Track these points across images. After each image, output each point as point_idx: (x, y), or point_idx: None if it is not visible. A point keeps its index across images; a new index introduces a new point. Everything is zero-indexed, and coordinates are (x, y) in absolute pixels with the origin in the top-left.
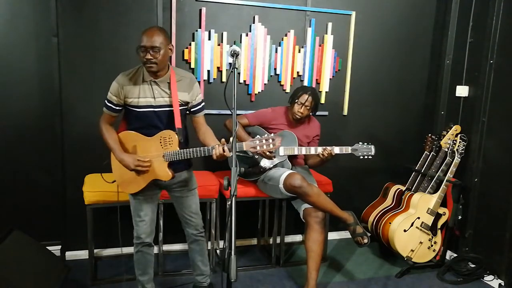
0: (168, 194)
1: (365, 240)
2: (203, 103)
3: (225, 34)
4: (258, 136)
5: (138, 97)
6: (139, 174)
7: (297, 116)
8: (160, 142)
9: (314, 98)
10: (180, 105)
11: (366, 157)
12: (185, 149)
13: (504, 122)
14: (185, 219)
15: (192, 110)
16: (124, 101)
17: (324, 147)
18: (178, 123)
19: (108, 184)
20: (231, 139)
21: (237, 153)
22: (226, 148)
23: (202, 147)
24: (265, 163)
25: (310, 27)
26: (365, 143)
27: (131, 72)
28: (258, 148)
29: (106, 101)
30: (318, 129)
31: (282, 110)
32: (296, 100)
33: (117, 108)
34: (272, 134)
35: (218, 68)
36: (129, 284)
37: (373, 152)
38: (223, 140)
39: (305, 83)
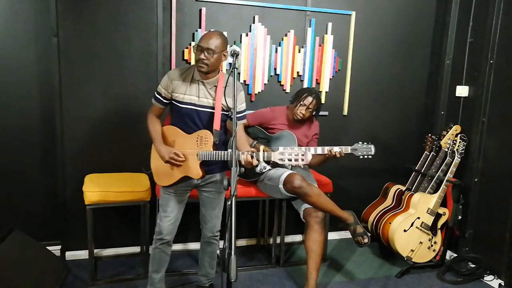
0: (198, 192)
1: (366, 240)
2: (244, 113)
3: (225, 34)
4: (287, 148)
5: (184, 93)
6: (175, 168)
7: (298, 116)
8: (197, 141)
9: (317, 102)
10: (222, 109)
11: (366, 156)
12: (217, 151)
13: (504, 122)
14: (205, 219)
15: (231, 116)
16: (171, 95)
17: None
18: (216, 125)
19: (109, 184)
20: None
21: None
22: (253, 157)
23: (227, 151)
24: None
25: (310, 27)
26: (365, 143)
27: (183, 69)
28: (286, 161)
29: (155, 92)
30: (317, 128)
31: (281, 110)
32: (301, 102)
33: (165, 101)
34: (304, 150)
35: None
36: (129, 284)
37: (373, 152)
38: (253, 149)
39: (305, 83)
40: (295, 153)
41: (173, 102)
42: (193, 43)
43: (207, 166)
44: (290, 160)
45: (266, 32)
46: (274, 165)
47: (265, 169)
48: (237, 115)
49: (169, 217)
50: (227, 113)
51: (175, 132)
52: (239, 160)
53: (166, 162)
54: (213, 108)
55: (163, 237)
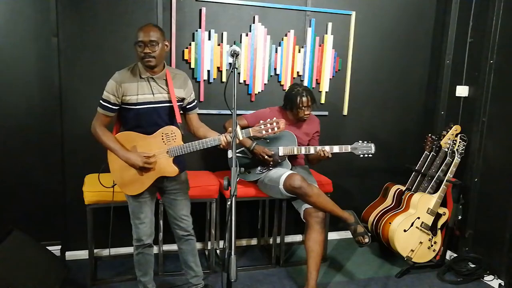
0: (161, 196)
1: (366, 240)
2: (196, 100)
3: (225, 34)
4: (261, 120)
5: (137, 94)
6: (144, 172)
7: (305, 118)
8: (162, 139)
9: (310, 94)
10: (177, 101)
11: (366, 155)
12: (191, 142)
13: (504, 122)
14: (177, 221)
15: (187, 107)
16: (121, 100)
17: (322, 147)
18: (179, 118)
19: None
20: (224, 134)
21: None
22: (228, 137)
23: (208, 138)
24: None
25: (310, 27)
26: (365, 142)
27: (127, 70)
28: (263, 132)
29: (101, 101)
30: (318, 125)
31: (281, 109)
32: (299, 106)
33: (114, 107)
34: (275, 118)
35: (218, 68)
36: (129, 284)
37: (373, 151)
38: (230, 129)
39: (305, 83)
40: (270, 123)
41: (125, 106)
42: (193, 43)
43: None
44: (267, 130)
45: (266, 32)
46: (275, 165)
47: (265, 169)
48: (192, 104)
49: (144, 223)
50: (181, 103)
51: (132, 137)
52: (219, 145)
53: (140, 169)
54: (169, 102)
55: (144, 242)
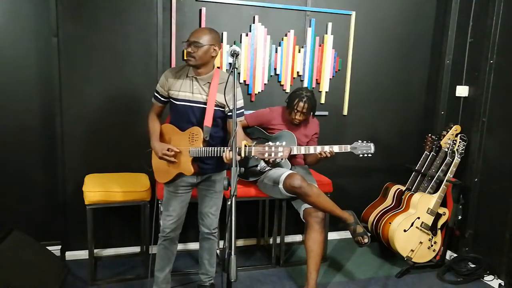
0: (196, 190)
1: (366, 240)
2: (241, 110)
3: (225, 34)
4: (269, 142)
5: (178, 90)
6: (171, 165)
7: (295, 122)
8: (189, 138)
9: (310, 103)
10: (216, 106)
11: (365, 155)
12: (207, 147)
13: (504, 122)
14: (202, 216)
15: (228, 114)
16: (167, 93)
17: (322, 146)
18: (207, 122)
19: (109, 184)
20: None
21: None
22: (230, 153)
23: (219, 148)
24: (263, 164)
25: (310, 27)
26: (365, 141)
27: (179, 67)
28: (266, 155)
29: (154, 91)
30: (317, 127)
31: (280, 110)
32: (294, 108)
33: (162, 99)
34: (284, 143)
35: (218, 68)
36: (129, 284)
37: (372, 150)
38: (243, 142)
39: (305, 83)
40: (274, 150)
41: (171, 100)
42: None
43: (204, 164)
44: (270, 154)
45: (266, 32)
46: (274, 165)
47: (265, 168)
48: (230, 113)
49: (171, 216)
50: (222, 109)
51: (171, 130)
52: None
53: (160, 159)
54: (206, 103)
55: (166, 234)
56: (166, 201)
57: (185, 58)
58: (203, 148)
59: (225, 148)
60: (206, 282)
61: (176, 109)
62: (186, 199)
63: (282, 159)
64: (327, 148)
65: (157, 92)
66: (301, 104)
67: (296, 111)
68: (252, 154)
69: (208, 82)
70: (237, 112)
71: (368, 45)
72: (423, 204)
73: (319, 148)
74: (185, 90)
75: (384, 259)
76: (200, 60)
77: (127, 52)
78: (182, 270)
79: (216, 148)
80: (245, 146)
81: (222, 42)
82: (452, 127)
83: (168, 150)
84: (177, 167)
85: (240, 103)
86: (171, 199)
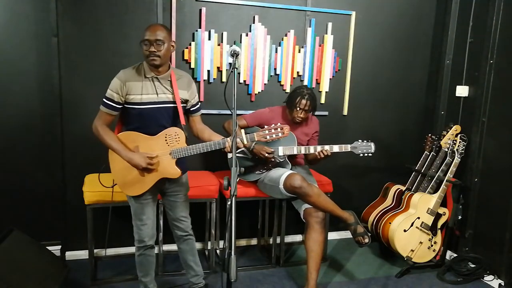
0: (162, 197)
1: (366, 240)
2: (199, 103)
3: (225, 34)
4: (266, 126)
5: (141, 94)
6: (147, 173)
7: (297, 120)
8: (166, 140)
9: (312, 101)
10: (181, 103)
11: (366, 154)
12: (195, 145)
13: (504, 122)
14: (177, 222)
15: (191, 109)
16: (125, 99)
17: (322, 146)
18: (182, 120)
19: (109, 184)
20: (229, 138)
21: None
22: (239, 139)
23: (213, 141)
24: (264, 164)
25: (310, 27)
26: (365, 141)
27: (131, 69)
28: (268, 137)
29: (104, 99)
30: (317, 126)
31: (280, 109)
32: (296, 106)
33: (118, 106)
34: (279, 124)
35: (218, 68)
36: (129, 284)
37: (372, 150)
38: (242, 130)
39: (305, 83)
40: (274, 128)
41: (129, 105)
42: (193, 43)
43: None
44: (271, 135)
45: (266, 32)
46: (274, 165)
47: (265, 169)
48: (195, 107)
49: (146, 224)
50: (185, 105)
51: (135, 137)
52: (224, 148)
53: (143, 170)
54: (173, 102)
55: (146, 243)
56: (138, 211)
57: (185, 58)
58: (188, 147)
59: (224, 139)
60: (199, 283)
61: (140, 113)
62: (155, 202)
63: (283, 134)
64: (327, 147)
65: (110, 100)
66: (303, 101)
67: (298, 108)
68: (255, 139)
69: (169, 80)
70: (197, 106)
71: (368, 45)
72: (423, 204)
73: (319, 148)
74: (148, 92)
75: (384, 259)
76: (164, 58)
77: (127, 52)
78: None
79: (202, 144)
80: (246, 133)
81: (222, 42)
82: (452, 127)
83: (149, 158)
84: (158, 174)
85: (196, 98)
86: (144, 207)
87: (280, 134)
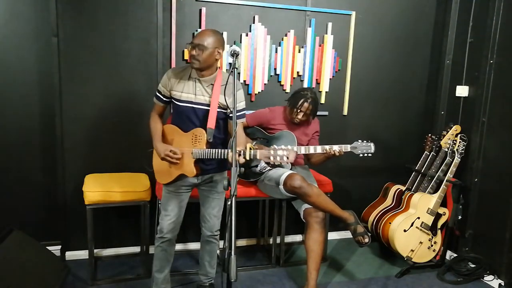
0: (198, 191)
1: (366, 240)
2: (244, 111)
3: (225, 34)
4: (274, 146)
5: (181, 91)
6: (172, 166)
7: (296, 121)
8: (192, 139)
9: (314, 104)
10: (219, 107)
11: (365, 154)
12: (210, 149)
13: (504, 122)
14: (204, 218)
15: (230, 115)
16: (170, 93)
17: (323, 146)
18: (210, 124)
19: (109, 184)
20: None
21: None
22: (240, 155)
23: (224, 150)
24: (263, 164)
25: (310, 27)
26: (365, 141)
27: (182, 68)
28: (271, 159)
29: (156, 91)
30: (317, 126)
31: (280, 109)
32: (298, 108)
33: (164, 99)
34: (289, 146)
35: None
36: (129, 284)
37: (372, 150)
38: (238, 149)
39: (305, 83)
40: (280, 155)
41: (172, 100)
42: None
43: (205, 165)
44: (275, 158)
45: (266, 32)
46: (274, 165)
47: (265, 169)
48: (236, 114)
49: (169, 215)
50: (225, 111)
51: (173, 130)
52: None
53: (162, 159)
54: (209, 105)
55: (164, 235)
56: (165, 201)
57: (185, 58)
58: (207, 149)
59: (229, 150)
60: (206, 282)
61: (178, 110)
62: (185, 199)
63: (287, 162)
64: (336, 148)
65: (159, 92)
66: (306, 104)
67: (299, 111)
68: (258, 157)
69: (211, 84)
70: (239, 113)
71: (368, 45)
72: (423, 204)
73: (327, 147)
74: (188, 92)
75: (384, 259)
76: (204, 63)
77: (127, 52)
78: (182, 270)
79: (219, 150)
80: (250, 149)
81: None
82: (452, 127)
83: (171, 151)
84: (179, 169)
85: (241, 104)
86: (170, 198)
87: (285, 159)
